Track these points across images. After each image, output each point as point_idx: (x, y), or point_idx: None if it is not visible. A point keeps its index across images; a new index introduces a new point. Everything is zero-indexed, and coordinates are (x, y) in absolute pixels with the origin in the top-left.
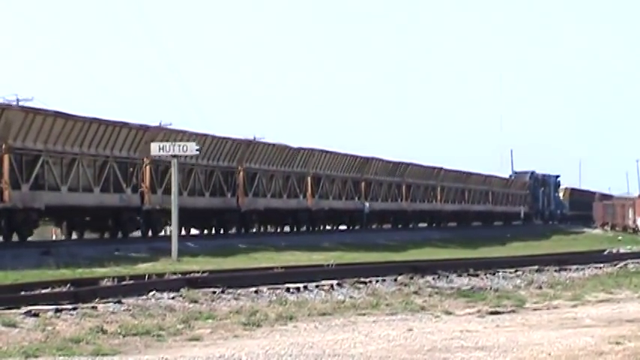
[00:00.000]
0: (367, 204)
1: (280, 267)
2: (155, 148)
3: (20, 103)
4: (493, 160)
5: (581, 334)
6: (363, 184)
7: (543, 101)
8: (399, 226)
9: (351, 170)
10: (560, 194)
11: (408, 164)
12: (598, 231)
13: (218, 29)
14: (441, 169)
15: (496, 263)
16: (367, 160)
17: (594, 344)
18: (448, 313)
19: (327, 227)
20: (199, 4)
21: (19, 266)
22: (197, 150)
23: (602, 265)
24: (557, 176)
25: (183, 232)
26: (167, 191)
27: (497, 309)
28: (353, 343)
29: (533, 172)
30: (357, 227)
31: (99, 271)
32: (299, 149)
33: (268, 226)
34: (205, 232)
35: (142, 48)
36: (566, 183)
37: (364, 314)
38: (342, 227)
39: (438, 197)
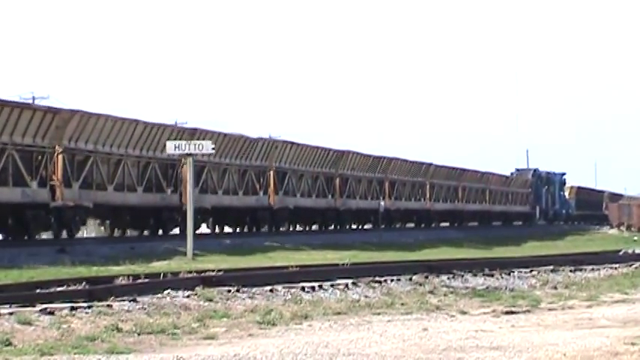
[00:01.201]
0: (382, 203)
1: (295, 266)
2: (171, 147)
3: (36, 102)
4: (509, 160)
5: (596, 334)
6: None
7: (559, 101)
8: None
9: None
10: (566, 193)
11: (391, 159)
12: (613, 231)
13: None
14: (431, 164)
15: (511, 263)
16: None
17: (609, 345)
18: (463, 312)
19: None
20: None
21: (35, 264)
22: (213, 149)
23: (617, 265)
24: (563, 174)
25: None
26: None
27: (513, 309)
28: (368, 343)
29: (536, 170)
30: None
31: (114, 270)
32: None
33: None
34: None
35: (156, 46)
36: (582, 183)
37: (379, 313)
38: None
39: (427, 195)
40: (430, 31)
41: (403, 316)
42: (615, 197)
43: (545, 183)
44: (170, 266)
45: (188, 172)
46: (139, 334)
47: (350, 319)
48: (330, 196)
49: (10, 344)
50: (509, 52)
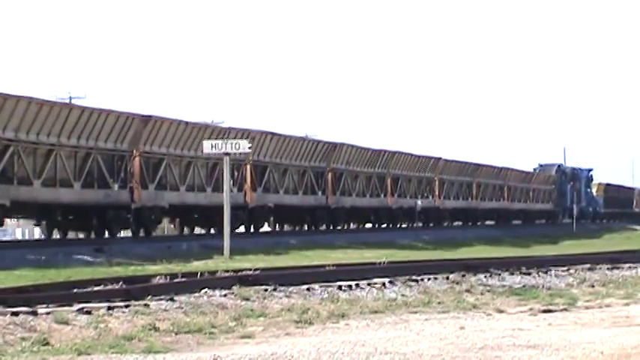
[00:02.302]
0: (419, 202)
1: (332, 265)
2: (207, 146)
3: (73, 101)
4: (546, 159)
5: (633, 332)
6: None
7: (597, 99)
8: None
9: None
10: (594, 190)
11: (397, 153)
12: None
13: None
14: (440, 159)
15: (548, 261)
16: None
17: None
18: (500, 311)
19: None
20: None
21: (72, 263)
22: (249, 147)
23: None
24: (590, 170)
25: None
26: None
27: (550, 307)
28: (405, 341)
29: (560, 165)
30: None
31: (151, 269)
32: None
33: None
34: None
35: (190, 47)
36: (618, 181)
37: (416, 312)
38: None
39: (436, 192)
40: (457, 23)
41: (440, 315)
42: None
43: (571, 179)
44: (207, 265)
45: (225, 171)
46: (176, 334)
47: (387, 317)
48: (382, 194)
49: (47, 344)
50: (548, 49)
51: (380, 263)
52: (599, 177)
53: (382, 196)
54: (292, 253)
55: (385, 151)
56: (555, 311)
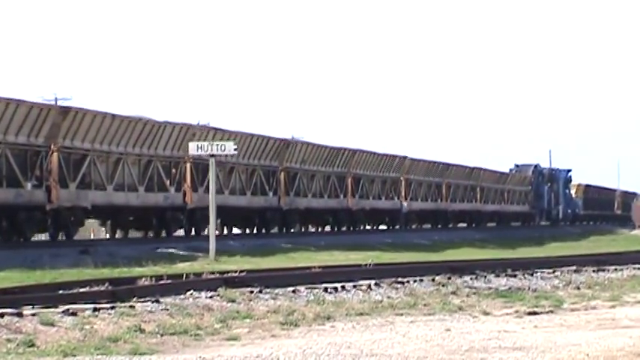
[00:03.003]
0: (405, 204)
1: (318, 266)
2: (193, 148)
3: (59, 103)
4: (532, 160)
5: (619, 334)
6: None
7: (582, 100)
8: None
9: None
10: (573, 191)
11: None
12: (637, 232)
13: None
14: (405, 157)
15: (534, 263)
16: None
17: (633, 345)
18: (486, 313)
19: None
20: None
21: (58, 265)
22: (235, 149)
23: None
24: (568, 171)
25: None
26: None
27: (535, 309)
28: (390, 343)
29: (537, 166)
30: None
31: (137, 270)
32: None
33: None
34: (246, 231)
35: (178, 46)
36: (605, 183)
37: (402, 314)
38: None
39: (402, 193)
40: (448, 28)
41: (426, 317)
42: (629, 196)
43: (548, 180)
44: (193, 267)
45: (210, 173)
46: (161, 335)
47: (373, 319)
48: (342, 195)
49: (33, 345)
50: (533, 50)
51: (366, 265)
52: (584, 179)
53: (342, 196)
54: (278, 255)
55: (345, 149)
56: (541, 313)
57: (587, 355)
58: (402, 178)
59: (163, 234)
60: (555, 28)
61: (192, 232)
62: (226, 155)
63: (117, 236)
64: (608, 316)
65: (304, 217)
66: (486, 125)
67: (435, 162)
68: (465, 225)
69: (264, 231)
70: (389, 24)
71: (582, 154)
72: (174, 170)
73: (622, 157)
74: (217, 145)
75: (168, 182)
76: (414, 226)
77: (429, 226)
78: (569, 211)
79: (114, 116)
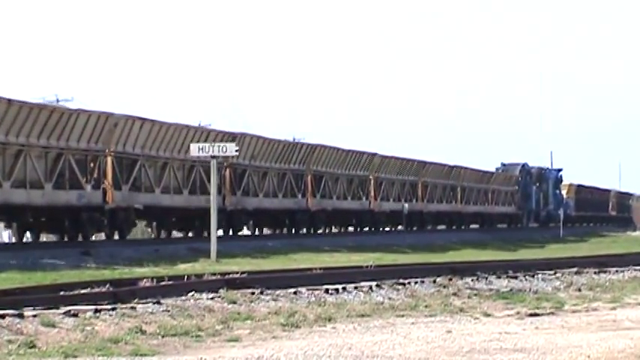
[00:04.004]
0: (406, 205)
1: (319, 268)
2: (195, 149)
3: (60, 103)
4: (533, 162)
5: (620, 336)
6: (372, 181)
7: (583, 102)
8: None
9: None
10: (563, 191)
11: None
12: (638, 233)
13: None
14: (375, 154)
15: (535, 265)
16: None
17: (634, 346)
18: (487, 314)
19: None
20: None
21: (59, 266)
22: (236, 151)
23: None
24: (559, 170)
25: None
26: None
27: (537, 311)
28: (392, 345)
29: (524, 165)
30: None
31: (138, 272)
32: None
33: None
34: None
35: (181, 49)
36: (607, 185)
37: (403, 316)
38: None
39: (372, 193)
40: (451, 30)
41: (427, 319)
42: (625, 196)
43: (537, 180)
44: (194, 268)
45: (212, 175)
46: (162, 337)
47: (374, 321)
48: (300, 195)
49: (34, 346)
50: (534, 51)
51: (367, 267)
52: (585, 181)
53: (300, 196)
54: (279, 257)
55: (303, 144)
56: (542, 315)
57: (588, 357)
58: (371, 177)
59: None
60: (555, 27)
61: (116, 236)
62: (227, 156)
63: (24, 241)
64: (610, 317)
65: (257, 218)
66: (487, 126)
67: (409, 159)
68: (444, 227)
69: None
70: (366, 15)
71: (583, 156)
72: (92, 165)
73: (623, 159)
74: (218, 146)
75: (83, 179)
76: (387, 229)
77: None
78: (560, 212)
79: (10, 101)
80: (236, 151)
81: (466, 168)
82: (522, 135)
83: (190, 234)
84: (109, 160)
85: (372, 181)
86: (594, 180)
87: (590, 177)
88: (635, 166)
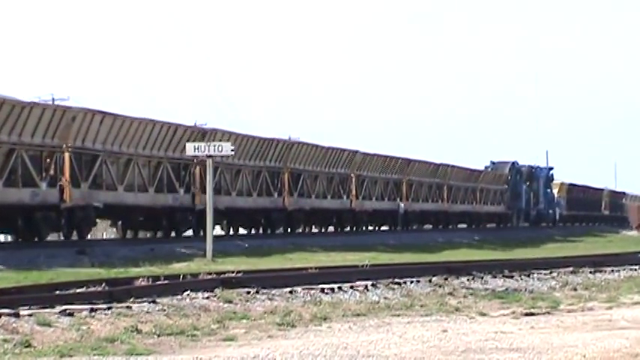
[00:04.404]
0: (402, 205)
1: (315, 267)
2: (190, 149)
3: (56, 102)
4: (529, 161)
5: (616, 336)
6: (354, 179)
7: (579, 101)
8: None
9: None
10: (555, 190)
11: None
12: (633, 233)
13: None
14: (356, 152)
15: (531, 265)
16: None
17: (629, 346)
18: (482, 314)
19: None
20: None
21: (54, 265)
22: (232, 150)
23: (637, 267)
24: (550, 168)
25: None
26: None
27: (532, 310)
28: (387, 344)
29: (514, 163)
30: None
31: (133, 271)
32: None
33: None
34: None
35: (176, 47)
36: (603, 184)
37: (398, 315)
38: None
39: (353, 191)
40: (448, 31)
41: (422, 318)
42: (617, 196)
43: (527, 179)
44: (190, 268)
45: (207, 174)
46: (158, 336)
47: (369, 320)
48: (276, 194)
49: (29, 345)
50: (529, 52)
51: (362, 266)
52: (582, 180)
53: (276, 195)
54: (275, 256)
55: (279, 140)
56: (538, 314)
57: (584, 357)
58: (352, 175)
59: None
60: (550, 26)
61: (75, 236)
62: (223, 156)
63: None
64: (605, 317)
65: (231, 217)
66: (486, 128)
67: (392, 157)
68: (430, 226)
69: (174, 233)
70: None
71: (578, 156)
72: (48, 161)
73: (619, 158)
74: (214, 145)
75: (38, 176)
76: (370, 228)
77: (386, 227)
78: (551, 211)
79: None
80: (232, 150)
81: (453, 166)
82: (517, 134)
83: (159, 234)
84: (67, 156)
85: (354, 180)
86: (590, 179)
87: (586, 176)
88: (630, 165)
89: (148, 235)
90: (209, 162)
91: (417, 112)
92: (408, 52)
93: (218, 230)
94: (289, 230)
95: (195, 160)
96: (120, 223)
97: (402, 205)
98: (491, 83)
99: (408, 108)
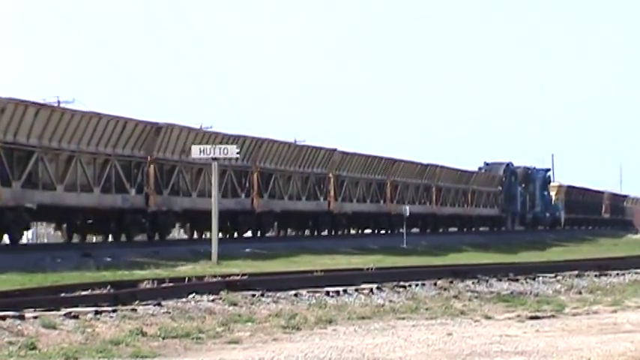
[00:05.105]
0: (407, 207)
1: (320, 270)
2: (196, 151)
3: (61, 105)
4: (535, 165)
5: (621, 339)
6: (332, 179)
7: (584, 104)
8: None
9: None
10: (552, 193)
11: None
12: (639, 236)
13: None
14: (334, 150)
15: (536, 268)
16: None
17: (634, 350)
18: (488, 317)
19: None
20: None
21: (59, 268)
22: (237, 153)
23: None
24: (547, 170)
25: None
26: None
27: (537, 314)
28: (392, 347)
29: (509, 164)
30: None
31: (139, 274)
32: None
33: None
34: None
35: (181, 50)
36: (607, 188)
37: (403, 318)
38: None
39: (331, 192)
40: (453, 34)
41: (428, 321)
42: (619, 198)
43: (522, 180)
44: (195, 270)
45: (213, 176)
46: (163, 338)
47: (374, 323)
48: (243, 195)
49: (34, 348)
50: (535, 54)
51: (368, 269)
52: (588, 184)
53: (243, 196)
54: (280, 259)
55: (245, 137)
56: (543, 318)
57: None
58: (330, 175)
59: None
60: (556, 29)
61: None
62: (230, 158)
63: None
64: (610, 320)
65: (193, 220)
66: (486, 129)
67: (375, 156)
68: (417, 230)
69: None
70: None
71: (584, 159)
72: None
73: (624, 161)
74: (220, 148)
75: None
76: (352, 232)
77: (369, 231)
78: (548, 214)
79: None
80: (237, 152)
81: (442, 167)
82: (523, 138)
83: (110, 238)
84: None
85: (332, 180)
86: (595, 183)
87: (591, 180)
88: (636, 168)
89: (95, 239)
90: (214, 165)
91: (416, 112)
92: (408, 52)
93: (180, 234)
94: (260, 234)
95: (149, 159)
96: (64, 226)
97: (407, 208)
98: (497, 86)
99: (408, 108)
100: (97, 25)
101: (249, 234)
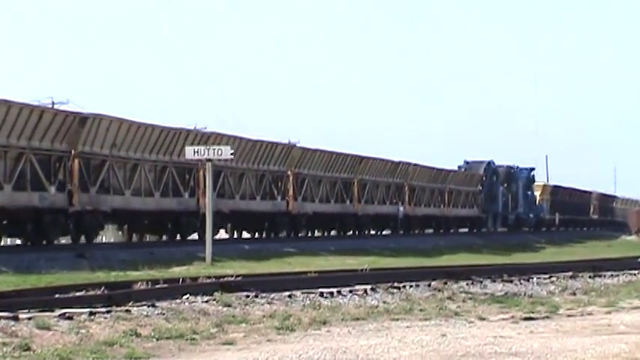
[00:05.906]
0: (401, 208)
1: (314, 271)
2: (190, 152)
3: (55, 106)
4: (529, 165)
5: (615, 340)
6: (291, 177)
7: (578, 105)
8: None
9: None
10: (536, 193)
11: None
12: (633, 238)
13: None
14: (293, 146)
15: (530, 269)
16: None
17: (628, 351)
18: (482, 318)
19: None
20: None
21: (54, 269)
22: (232, 154)
23: (636, 271)
24: (531, 169)
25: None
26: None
27: (531, 315)
28: (386, 348)
29: (490, 163)
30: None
31: (133, 275)
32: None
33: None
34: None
35: (176, 51)
36: (602, 189)
37: (398, 319)
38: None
39: (290, 192)
40: (447, 32)
41: (422, 322)
42: (607, 199)
43: (505, 180)
44: (189, 271)
45: (207, 177)
46: (157, 340)
47: (368, 324)
48: (186, 194)
49: (29, 349)
50: (528, 54)
51: (362, 270)
52: (583, 185)
53: (187, 195)
54: (274, 260)
55: (189, 131)
56: (537, 319)
57: None
58: (289, 173)
59: None
60: (550, 28)
61: None
62: (222, 160)
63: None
64: (604, 321)
65: (129, 221)
66: (481, 129)
67: (340, 153)
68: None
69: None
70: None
71: (578, 160)
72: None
73: (618, 163)
74: (214, 149)
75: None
76: (317, 234)
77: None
78: (532, 215)
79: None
80: (231, 154)
81: (415, 164)
82: (517, 138)
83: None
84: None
85: (291, 178)
86: (590, 185)
87: (586, 182)
88: (630, 169)
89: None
90: (208, 166)
91: (413, 112)
92: (407, 52)
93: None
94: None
95: (72, 152)
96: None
97: (401, 209)
98: (490, 87)
99: (407, 109)
100: (91, 26)
101: (194, 236)
